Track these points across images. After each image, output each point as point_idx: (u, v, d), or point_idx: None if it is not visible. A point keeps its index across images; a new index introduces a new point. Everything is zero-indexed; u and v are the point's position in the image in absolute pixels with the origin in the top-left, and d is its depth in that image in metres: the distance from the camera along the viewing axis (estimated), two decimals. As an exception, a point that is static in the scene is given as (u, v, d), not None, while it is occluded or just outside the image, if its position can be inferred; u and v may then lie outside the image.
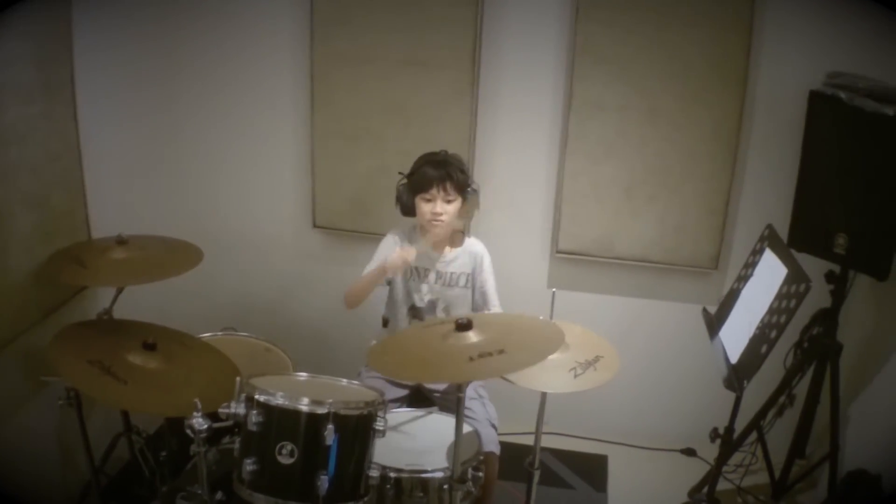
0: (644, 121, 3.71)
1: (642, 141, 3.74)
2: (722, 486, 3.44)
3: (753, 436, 3.58)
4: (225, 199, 4.22)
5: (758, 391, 3.34)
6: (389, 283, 3.34)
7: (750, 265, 3.24)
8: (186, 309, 3.60)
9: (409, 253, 3.09)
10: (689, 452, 4.13)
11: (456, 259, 3.33)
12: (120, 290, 3.15)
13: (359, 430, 2.54)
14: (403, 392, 3.30)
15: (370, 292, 3.26)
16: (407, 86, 3.81)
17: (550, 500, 3.69)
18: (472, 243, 3.37)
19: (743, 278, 3.24)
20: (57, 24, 3.26)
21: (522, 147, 3.92)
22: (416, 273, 3.32)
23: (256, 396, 2.48)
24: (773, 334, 2.78)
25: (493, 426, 3.18)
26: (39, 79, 3.16)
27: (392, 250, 3.23)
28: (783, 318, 2.77)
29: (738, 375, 2.86)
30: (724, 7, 3.52)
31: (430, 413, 3.11)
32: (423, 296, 3.33)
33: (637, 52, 3.62)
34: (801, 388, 3.57)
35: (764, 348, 2.79)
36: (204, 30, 3.92)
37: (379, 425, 2.58)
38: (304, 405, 2.46)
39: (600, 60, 3.65)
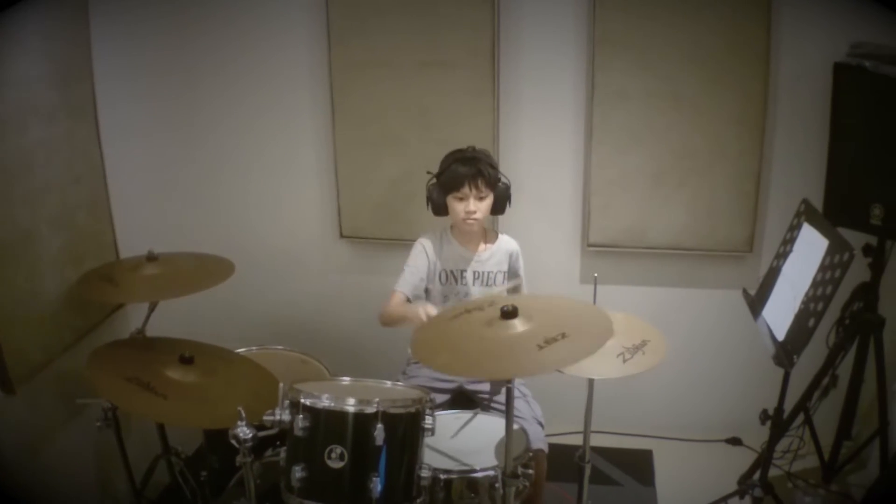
0: (668, 107, 3.66)
1: (668, 127, 3.69)
2: (771, 472, 3.37)
3: (800, 419, 3.52)
4: (249, 213, 4.19)
5: (801, 374, 3.27)
6: (427, 289, 3.28)
7: (788, 241, 3.19)
8: (217, 326, 3.56)
9: (431, 311, 2.90)
10: (735, 441, 4.06)
11: (491, 257, 3.28)
12: (152, 308, 3.13)
13: (408, 429, 2.48)
14: (445, 397, 3.24)
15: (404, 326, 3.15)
16: (426, 88, 3.77)
17: (599, 498, 3.59)
18: (506, 240, 3.32)
19: (782, 255, 3.19)
20: (76, 43, 3.25)
21: (547, 141, 3.87)
22: (451, 276, 3.27)
23: (302, 400, 2.42)
24: (820, 307, 2.72)
25: (540, 424, 3.11)
26: (61, 99, 3.15)
27: (425, 255, 3.23)
28: (828, 290, 2.71)
29: (786, 351, 2.81)
30: (739, -16, 3.49)
31: (476, 414, 3.05)
32: (461, 298, 3.26)
33: (656, 38, 3.58)
34: (844, 369, 3.51)
35: (811, 322, 2.73)
36: (221, 44, 3.91)
37: (427, 423, 2.52)
38: (350, 406, 2.40)
39: (620, 49, 3.61)
